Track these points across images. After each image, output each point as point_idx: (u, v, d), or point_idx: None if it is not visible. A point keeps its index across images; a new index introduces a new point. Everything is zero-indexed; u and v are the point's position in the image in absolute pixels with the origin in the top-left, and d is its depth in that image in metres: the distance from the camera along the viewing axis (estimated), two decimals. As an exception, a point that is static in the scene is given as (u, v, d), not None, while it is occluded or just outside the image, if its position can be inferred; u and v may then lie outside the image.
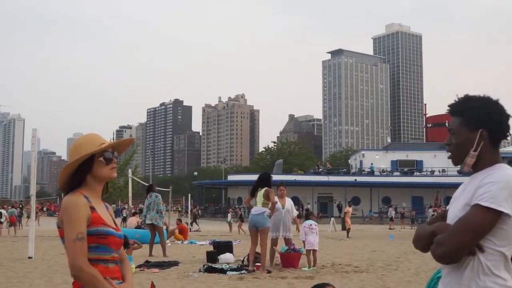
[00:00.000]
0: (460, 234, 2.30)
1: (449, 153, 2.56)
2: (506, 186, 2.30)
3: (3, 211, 29.42)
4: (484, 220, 2.28)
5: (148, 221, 15.30)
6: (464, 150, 2.48)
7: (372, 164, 62.39)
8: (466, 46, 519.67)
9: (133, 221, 22.65)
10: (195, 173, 68.57)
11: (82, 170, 2.81)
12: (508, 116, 2.51)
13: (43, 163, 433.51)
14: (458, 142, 2.50)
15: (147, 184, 18.80)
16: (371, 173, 61.88)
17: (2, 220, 28.56)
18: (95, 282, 2.62)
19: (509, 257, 2.38)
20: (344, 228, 34.19)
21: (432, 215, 34.37)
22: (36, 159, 14.71)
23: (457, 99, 2.56)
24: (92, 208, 2.74)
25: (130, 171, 27.08)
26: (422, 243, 2.47)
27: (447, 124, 2.50)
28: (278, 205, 11.84)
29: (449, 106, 2.57)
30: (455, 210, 2.45)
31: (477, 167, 2.47)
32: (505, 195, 2.28)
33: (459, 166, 2.54)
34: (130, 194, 24.69)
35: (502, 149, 68.06)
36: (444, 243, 2.33)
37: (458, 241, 2.30)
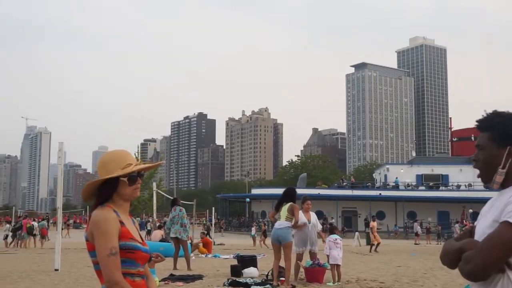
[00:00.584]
0: (489, 251, 2.27)
1: (477, 169, 2.52)
2: None
3: (35, 224, 29.80)
4: None
5: (172, 235, 15.34)
6: (492, 166, 2.45)
7: (397, 178, 61.88)
8: (491, 59, 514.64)
9: (157, 234, 22.75)
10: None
11: (107, 188, 2.85)
12: None
13: (69, 176, 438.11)
14: (486, 158, 2.46)
15: (172, 198, 18.88)
16: (396, 187, 61.35)
17: (36, 232, 28.97)
18: None
19: None
20: (368, 242, 33.98)
21: (460, 231, 33.96)
22: (62, 172, 14.89)
23: (485, 115, 2.52)
24: (121, 223, 2.78)
25: (154, 184, 27.25)
26: (450, 259, 2.45)
27: (473, 138, 2.45)
28: (305, 219, 11.78)
29: (477, 121, 2.54)
30: (483, 227, 2.42)
31: (505, 184, 2.44)
32: None
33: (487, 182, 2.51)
34: (154, 207, 24.84)
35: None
36: (472, 260, 2.30)
37: (486, 258, 2.27)
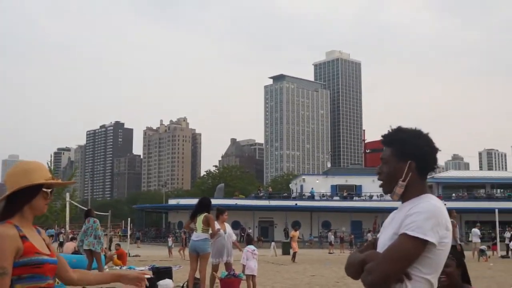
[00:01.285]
0: (388, 262, 2.41)
1: (380, 181, 2.68)
2: (431, 216, 2.42)
3: None
4: (410, 248, 2.39)
5: (85, 247, 14.97)
6: (393, 179, 2.61)
7: (312, 188, 63.10)
8: (403, 74, 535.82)
9: (70, 246, 22.12)
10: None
11: (23, 197, 2.78)
12: (436, 150, 2.63)
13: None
14: (388, 171, 2.63)
15: (86, 208, 18.43)
16: (312, 197, 62.54)
17: None
18: None
19: (435, 285, 2.50)
20: (286, 252, 34.37)
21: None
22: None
23: (389, 130, 2.68)
24: (24, 237, 2.70)
25: (68, 194, 26.50)
26: (354, 270, 2.58)
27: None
28: (221, 231, 11.84)
29: (382, 136, 2.70)
30: (384, 239, 2.56)
31: (405, 197, 2.59)
32: (430, 224, 2.40)
33: (389, 194, 2.67)
34: (67, 218, 24.14)
35: (436, 175, 70.32)
36: (373, 271, 2.44)
37: (386, 269, 2.40)
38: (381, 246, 2.54)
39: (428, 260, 2.44)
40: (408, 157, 2.57)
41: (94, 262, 14.92)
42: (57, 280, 2.99)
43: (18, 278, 2.66)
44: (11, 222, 2.73)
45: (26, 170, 2.81)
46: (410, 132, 2.63)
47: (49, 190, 2.85)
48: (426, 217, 2.41)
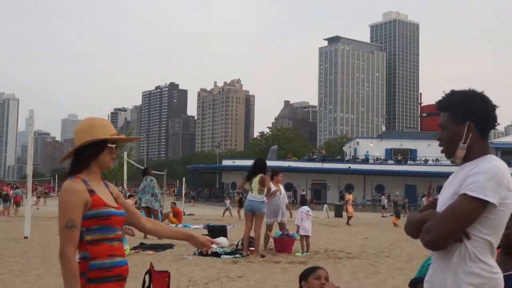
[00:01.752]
0: (447, 222, 2.41)
1: (442, 148, 2.68)
2: (493, 176, 2.41)
3: (18, 191, 29.85)
4: (470, 208, 2.39)
5: (143, 204, 15.40)
6: (454, 143, 2.59)
7: (367, 152, 62.57)
8: (462, 36, 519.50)
9: (128, 202, 22.62)
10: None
11: (90, 152, 2.88)
12: (494, 107, 2.60)
13: (37, 144, 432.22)
14: (448, 136, 2.61)
15: (143, 167, 18.86)
16: (366, 160, 62.08)
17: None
18: (70, 276, 2.67)
19: (495, 245, 2.49)
20: (338, 214, 34.37)
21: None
22: (33, 140, 14.76)
23: (443, 95, 2.67)
24: (92, 191, 2.81)
25: (125, 153, 27.08)
26: (412, 229, 2.59)
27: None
28: (277, 192, 11.96)
29: (436, 102, 2.69)
30: (444, 199, 2.56)
31: (467, 158, 2.58)
32: (491, 185, 2.39)
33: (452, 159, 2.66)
34: (125, 177, 24.71)
35: (495, 139, 68.50)
36: (430, 230, 2.45)
37: (444, 228, 2.41)
38: (441, 205, 2.55)
39: (489, 221, 2.42)
40: (466, 118, 2.55)
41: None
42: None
43: (87, 230, 2.78)
44: (79, 177, 2.84)
45: (91, 126, 2.90)
46: (464, 94, 2.61)
47: (114, 145, 2.94)
48: (488, 177, 2.40)
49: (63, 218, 2.72)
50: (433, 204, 2.67)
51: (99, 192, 2.86)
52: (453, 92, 2.65)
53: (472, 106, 2.56)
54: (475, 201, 2.38)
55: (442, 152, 2.68)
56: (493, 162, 2.47)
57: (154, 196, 15.42)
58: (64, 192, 2.78)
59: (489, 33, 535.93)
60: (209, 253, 2.50)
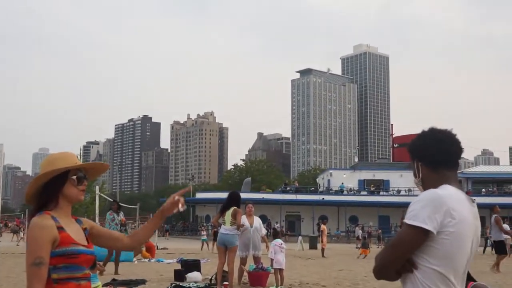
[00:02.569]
0: (388, 250, 2.52)
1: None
2: (428, 203, 2.45)
3: None
4: (407, 236, 2.45)
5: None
6: (416, 178, 2.81)
7: (342, 183, 62.79)
8: (431, 67, 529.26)
9: (104, 229, 22.11)
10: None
11: (53, 186, 2.81)
12: (442, 142, 2.67)
13: (7, 178, 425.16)
14: (412, 174, 2.82)
15: (113, 201, 18.60)
16: (339, 192, 62.30)
17: None
18: None
19: (448, 275, 2.47)
20: (313, 246, 34.27)
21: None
22: (1, 174, 14.51)
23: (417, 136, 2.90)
24: (60, 228, 2.72)
25: (97, 187, 26.76)
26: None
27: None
28: (247, 224, 11.88)
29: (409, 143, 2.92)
30: None
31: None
32: (427, 212, 2.43)
33: None
34: (97, 211, 24.39)
35: (466, 169, 69.40)
36: (376, 258, 2.55)
37: (386, 257, 2.50)
38: None
39: (434, 250, 2.44)
40: (415, 155, 2.76)
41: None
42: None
43: (54, 268, 2.68)
44: (48, 213, 2.76)
45: (52, 159, 2.85)
46: (419, 134, 2.82)
47: (77, 176, 2.84)
48: (424, 204, 2.45)
49: (31, 255, 2.63)
50: None
51: (69, 229, 2.78)
52: (420, 134, 2.83)
53: (419, 145, 2.75)
54: (412, 229, 2.43)
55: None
56: (434, 190, 2.52)
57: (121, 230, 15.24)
58: (32, 228, 2.69)
59: (458, 64, 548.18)
60: (181, 210, 2.35)
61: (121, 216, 15.51)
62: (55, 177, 2.80)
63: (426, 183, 2.70)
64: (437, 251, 2.44)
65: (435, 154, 2.69)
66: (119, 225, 15.30)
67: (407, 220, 2.46)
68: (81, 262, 2.76)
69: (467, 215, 2.50)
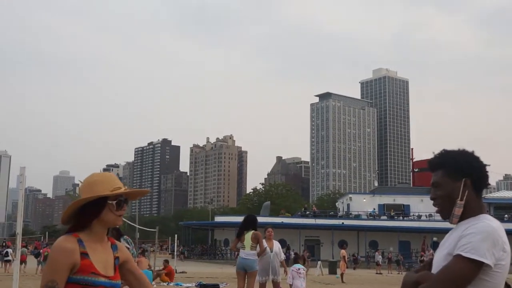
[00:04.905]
0: (440, 284, 2.36)
1: (437, 207, 2.62)
2: (488, 237, 2.37)
3: (10, 250, 30.04)
4: (464, 270, 2.34)
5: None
6: (451, 201, 2.54)
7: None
8: (450, 92, 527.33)
9: (144, 262, 20.80)
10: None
11: (90, 210, 2.68)
12: (485, 165, 2.60)
13: (28, 200, 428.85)
14: (444, 194, 2.56)
15: (134, 224, 18.61)
16: (358, 216, 61.85)
17: (10, 258, 29.03)
18: None
19: None
20: (333, 271, 33.98)
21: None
22: (24, 197, 14.61)
23: (435, 154, 2.67)
24: (84, 255, 2.60)
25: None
26: None
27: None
28: (267, 249, 11.80)
29: (429, 161, 2.67)
30: (438, 259, 2.52)
31: (462, 217, 2.54)
32: (486, 246, 2.35)
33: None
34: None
35: (488, 195, 68.52)
36: None
37: None
38: (435, 267, 2.51)
39: (485, 283, 2.37)
40: (462, 175, 2.53)
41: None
42: None
43: None
44: (76, 235, 2.64)
45: (91, 182, 2.72)
46: (458, 151, 2.61)
47: (117, 201, 2.71)
48: (482, 237, 2.36)
49: (45, 277, 2.53)
50: (429, 264, 2.61)
51: (95, 256, 2.63)
52: (446, 151, 2.64)
53: (467, 163, 2.54)
54: (470, 263, 2.33)
55: (437, 212, 2.63)
56: (488, 222, 2.44)
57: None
58: (53, 249, 2.59)
59: (477, 88, 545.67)
60: None
61: (122, 241, 15.29)
62: (93, 202, 2.67)
63: (468, 208, 2.52)
64: (487, 283, 2.38)
65: (485, 177, 2.57)
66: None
67: (464, 253, 2.34)
68: None
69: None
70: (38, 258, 29.03)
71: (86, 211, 2.68)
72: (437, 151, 2.68)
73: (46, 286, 2.52)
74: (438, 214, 2.67)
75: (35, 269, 28.43)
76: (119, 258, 2.77)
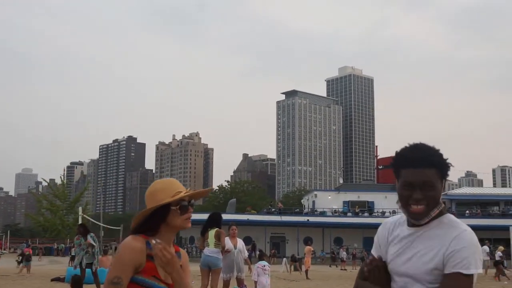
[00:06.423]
0: None
1: (420, 209, 2.42)
2: (477, 248, 2.39)
3: None
4: (469, 286, 2.34)
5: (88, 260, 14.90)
6: (436, 203, 2.44)
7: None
8: (416, 89, 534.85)
9: (105, 260, 20.77)
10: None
11: (156, 218, 2.72)
12: None
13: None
14: (436, 195, 2.42)
15: (98, 223, 18.39)
16: (323, 213, 62.31)
17: None
18: None
19: None
20: (296, 268, 34.16)
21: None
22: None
23: (415, 149, 2.47)
24: (150, 257, 2.62)
25: (80, 208, 26.59)
26: None
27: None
28: (230, 245, 11.83)
29: (413, 157, 2.44)
30: (418, 270, 2.44)
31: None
32: (479, 257, 2.37)
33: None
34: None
35: (450, 191, 69.83)
36: None
37: None
38: (412, 274, 2.44)
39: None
40: (445, 176, 2.45)
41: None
42: None
43: None
44: (145, 237, 2.69)
45: (152, 192, 2.78)
46: (437, 149, 2.47)
47: (180, 206, 2.75)
48: (474, 250, 2.37)
49: (112, 272, 2.58)
50: (379, 270, 2.54)
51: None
52: (428, 146, 2.46)
53: (446, 164, 2.45)
54: (471, 277, 2.33)
55: (417, 213, 2.42)
56: (469, 230, 2.42)
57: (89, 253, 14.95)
58: (122, 247, 2.64)
59: (440, 87, 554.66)
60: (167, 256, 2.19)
61: (89, 238, 15.10)
62: (158, 209, 2.71)
63: (442, 208, 2.46)
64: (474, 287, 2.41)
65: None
66: (85, 250, 14.90)
67: (465, 271, 2.31)
68: None
69: None
70: (17, 258, 27.99)
71: (152, 218, 2.73)
72: (411, 144, 2.49)
73: (112, 282, 2.56)
74: (411, 213, 2.46)
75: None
76: (181, 266, 2.74)
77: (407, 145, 2.50)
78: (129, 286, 2.59)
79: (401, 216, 2.62)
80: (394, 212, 57.77)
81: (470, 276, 2.32)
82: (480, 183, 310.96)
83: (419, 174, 2.39)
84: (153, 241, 2.49)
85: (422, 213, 2.40)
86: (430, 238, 2.43)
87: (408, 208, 2.43)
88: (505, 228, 46.86)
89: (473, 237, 2.39)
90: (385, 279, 2.52)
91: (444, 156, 2.44)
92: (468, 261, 2.32)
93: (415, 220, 2.45)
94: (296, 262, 32.20)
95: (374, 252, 2.73)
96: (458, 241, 2.36)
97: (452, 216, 2.49)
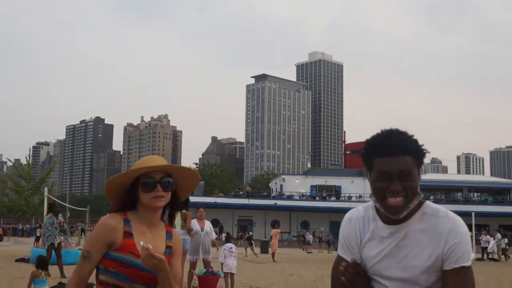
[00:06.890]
0: None
1: (399, 201, 2.16)
2: (469, 237, 2.29)
3: None
4: (473, 276, 2.26)
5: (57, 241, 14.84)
6: (415, 193, 2.19)
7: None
8: (383, 77, 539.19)
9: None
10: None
11: (129, 195, 2.64)
12: None
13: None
14: (414, 186, 2.18)
15: (64, 204, 18.26)
16: (291, 197, 62.74)
17: None
18: None
19: None
20: (264, 251, 34.37)
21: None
22: None
23: (390, 135, 2.21)
24: (128, 234, 2.57)
25: (46, 189, 26.24)
26: None
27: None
28: (197, 227, 11.87)
29: (390, 144, 2.17)
30: (409, 272, 2.23)
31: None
32: (471, 245, 2.28)
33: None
34: (45, 213, 23.92)
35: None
36: None
37: None
38: (401, 276, 2.23)
39: None
40: (421, 164, 2.21)
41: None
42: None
43: (105, 270, 2.57)
44: (124, 214, 2.63)
45: (135, 163, 2.70)
46: (411, 135, 2.24)
47: (143, 182, 2.60)
48: (468, 240, 2.25)
49: (84, 247, 2.61)
50: (359, 273, 2.29)
51: (140, 238, 2.55)
52: (403, 132, 2.21)
53: (423, 151, 2.23)
54: (471, 267, 2.25)
55: (397, 205, 2.16)
56: (459, 219, 2.25)
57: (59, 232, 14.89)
58: (98, 224, 2.65)
59: (408, 75, 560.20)
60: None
61: (60, 218, 15.10)
62: (132, 182, 2.64)
63: (421, 198, 2.24)
64: None
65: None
66: (58, 229, 14.84)
67: (467, 264, 2.20)
68: (130, 275, 2.55)
69: None
70: None
71: (126, 193, 2.66)
72: (384, 130, 2.23)
73: (83, 255, 2.57)
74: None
75: None
76: (171, 248, 2.70)
77: (380, 132, 2.23)
78: (106, 262, 2.57)
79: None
80: (360, 197, 58.55)
81: (471, 266, 2.23)
82: (445, 170, 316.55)
83: (396, 163, 2.14)
84: (142, 244, 2.41)
85: (401, 206, 2.15)
86: (419, 234, 2.22)
87: (384, 201, 2.17)
88: (468, 214, 47.84)
89: (464, 224, 2.23)
90: (367, 285, 2.29)
91: (420, 142, 2.21)
92: (468, 252, 2.19)
93: (392, 215, 2.18)
94: (251, 245, 32.48)
95: (344, 254, 2.39)
96: (454, 234, 2.18)
97: (432, 204, 2.27)
